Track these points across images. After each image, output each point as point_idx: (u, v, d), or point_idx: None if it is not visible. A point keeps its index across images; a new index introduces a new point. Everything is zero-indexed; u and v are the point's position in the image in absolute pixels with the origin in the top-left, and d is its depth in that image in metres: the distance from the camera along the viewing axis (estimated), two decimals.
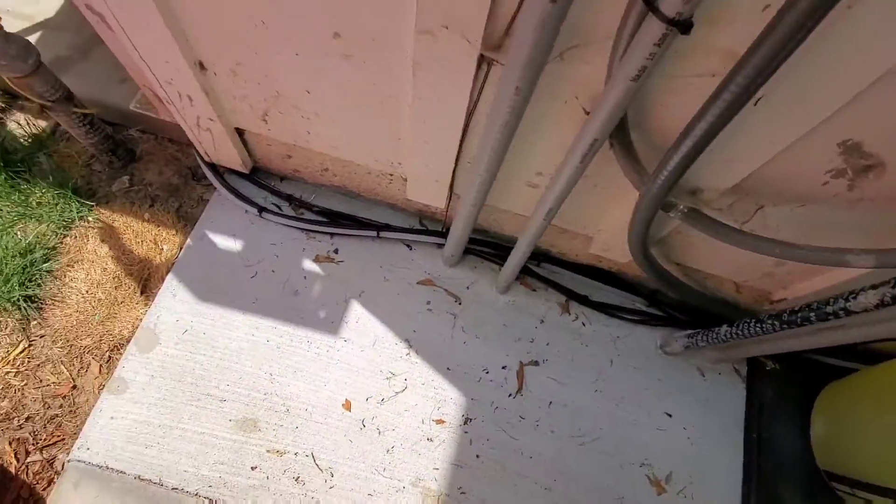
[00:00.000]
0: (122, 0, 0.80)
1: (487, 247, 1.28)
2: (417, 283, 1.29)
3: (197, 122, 1.11)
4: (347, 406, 1.16)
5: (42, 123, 1.47)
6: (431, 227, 1.34)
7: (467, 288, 1.30)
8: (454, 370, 1.22)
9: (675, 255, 1.09)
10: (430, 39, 0.66)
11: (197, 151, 1.29)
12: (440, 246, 1.31)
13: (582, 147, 0.70)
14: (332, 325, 1.22)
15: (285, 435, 1.12)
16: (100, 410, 1.11)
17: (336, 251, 1.30)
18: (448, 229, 1.29)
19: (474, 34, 0.63)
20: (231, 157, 1.23)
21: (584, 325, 1.31)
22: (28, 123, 1.44)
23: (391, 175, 1.17)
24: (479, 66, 0.70)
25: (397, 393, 1.18)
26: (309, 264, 1.27)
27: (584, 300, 1.30)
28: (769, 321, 0.96)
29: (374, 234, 1.27)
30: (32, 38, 1.46)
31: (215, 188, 1.33)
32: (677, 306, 1.31)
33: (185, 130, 1.16)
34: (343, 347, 1.20)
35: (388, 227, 1.29)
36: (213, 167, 1.31)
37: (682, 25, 0.46)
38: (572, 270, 1.30)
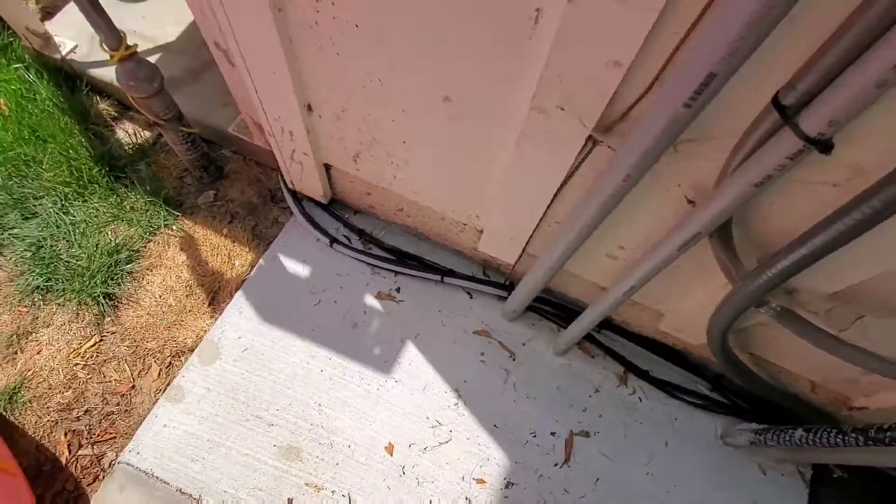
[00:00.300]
0: (253, 44, 0.88)
1: (549, 306, 1.27)
2: (474, 332, 1.29)
3: (291, 155, 1.18)
4: (390, 449, 1.15)
5: (146, 134, 1.60)
6: (494, 278, 1.35)
7: (523, 344, 1.28)
8: (501, 428, 1.19)
9: (753, 345, 1.04)
10: (543, 116, 0.69)
11: (282, 178, 1.36)
12: (501, 298, 1.31)
13: (682, 237, 0.69)
14: (385, 363, 1.23)
15: (325, 470, 1.12)
16: (155, 416, 1.14)
17: (398, 290, 1.32)
18: (511, 283, 1.29)
19: (590, 118, 0.65)
20: (313, 187, 1.28)
21: (640, 400, 1.26)
22: (135, 133, 1.57)
23: (465, 225, 1.19)
24: (585, 144, 0.71)
25: (441, 444, 1.16)
26: (371, 299, 1.30)
27: (643, 374, 1.26)
28: (853, 434, 0.89)
29: (438, 278, 1.29)
30: (153, 59, 1.60)
31: (292, 214, 1.39)
32: (742, 394, 1.25)
33: (278, 159, 1.23)
34: (393, 388, 1.20)
35: (452, 273, 1.30)
36: (293, 194, 1.37)
37: (822, 145, 0.46)
38: (634, 341, 1.26)
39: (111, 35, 1.05)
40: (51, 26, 1.64)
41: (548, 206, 0.90)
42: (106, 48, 1.08)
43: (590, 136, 0.69)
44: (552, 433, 1.20)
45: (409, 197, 1.16)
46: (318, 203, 1.40)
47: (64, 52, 1.59)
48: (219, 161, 1.55)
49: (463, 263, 1.36)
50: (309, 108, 1.01)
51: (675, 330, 1.13)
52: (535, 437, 1.19)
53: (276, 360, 1.21)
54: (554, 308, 1.27)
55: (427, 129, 0.90)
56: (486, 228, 1.08)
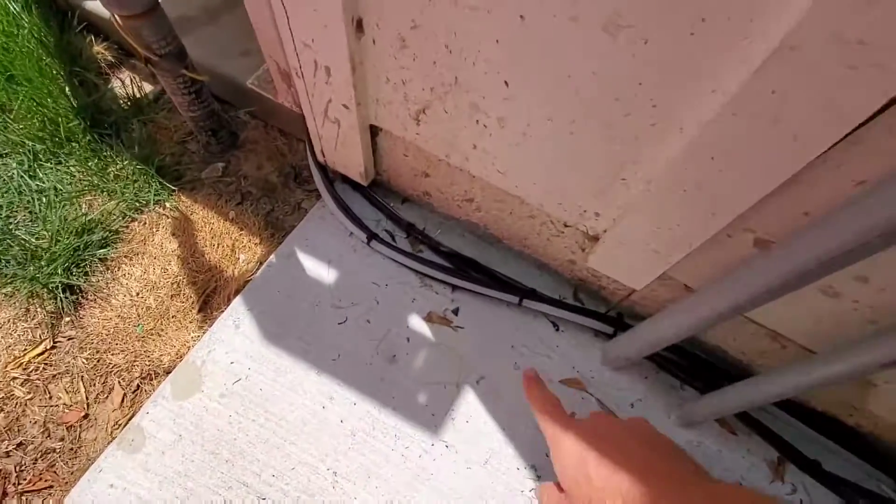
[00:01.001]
0: None
1: (679, 355, 0.87)
2: (561, 381, 0.90)
3: (325, 109, 0.82)
4: None
5: (148, 88, 1.28)
6: (589, 304, 0.96)
7: (631, 406, 0.89)
8: None
9: None
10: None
11: (310, 147, 1.01)
12: (601, 335, 0.92)
13: None
14: (432, 417, 0.85)
15: None
16: (99, 470, 0.79)
17: (456, 311, 0.94)
18: (621, 314, 0.90)
19: None
20: (352, 161, 0.93)
21: (802, 502, 0.85)
22: (132, 84, 1.24)
23: (565, 226, 0.81)
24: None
25: None
26: (417, 322, 0.93)
27: (809, 466, 0.85)
28: None
29: (515, 299, 0.91)
30: None
31: (319, 197, 1.04)
32: None
33: (306, 116, 0.88)
34: (442, 456, 0.82)
35: (534, 295, 0.92)
36: (323, 170, 1.02)
37: None
38: (798, 416, 0.86)
39: None
40: None
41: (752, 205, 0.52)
42: None
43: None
44: None
45: (490, 180, 0.79)
46: (354, 185, 1.04)
47: None
48: (233, 126, 1.22)
49: (546, 280, 0.98)
50: (359, 25, 0.65)
51: (890, 411, 0.73)
52: None
53: (279, 399, 0.84)
54: (684, 358, 0.87)
55: (552, 56, 0.53)
56: (611, 234, 0.71)
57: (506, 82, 0.60)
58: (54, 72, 1.21)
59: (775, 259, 0.54)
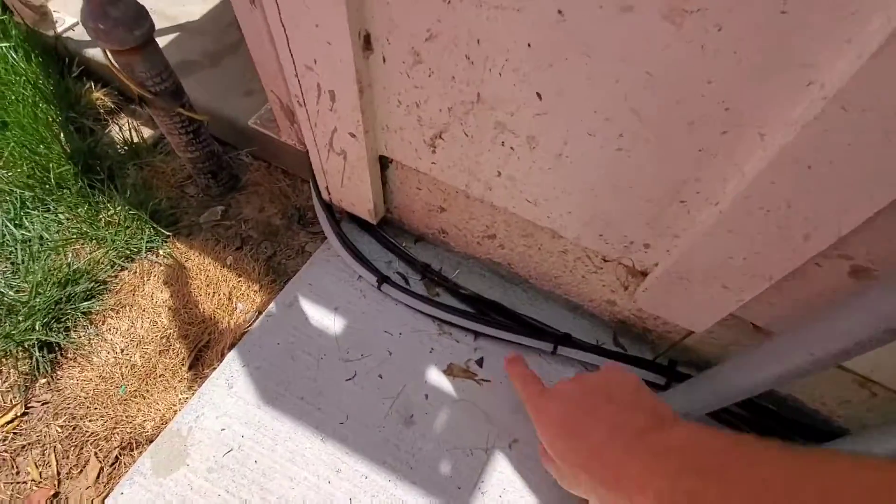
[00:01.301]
0: None
1: (745, 408, 0.74)
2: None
3: (330, 140, 0.75)
4: None
5: (147, 133, 1.22)
6: (632, 349, 0.84)
7: None
8: None
9: None
10: None
11: (314, 185, 0.93)
12: (651, 385, 0.79)
13: None
14: (458, 491, 0.72)
15: None
16: None
17: (481, 362, 0.83)
18: (672, 362, 0.78)
19: None
20: (360, 197, 0.84)
21: None
22: (130, 129, 1.19)
23: (605, 261, 0.71)
24: None
25: None
26: (436, 375, 0.81)
27: None
28: None
29: (548, 346, 0.80)
30: (168, 39, 1.26)
31: (325, 239, 0.95)
32: None
33: (310, 151, 0.81)
34: None
35: (569, 340, 0.80)
36: (328, 208, 0.94)
37: None
38: None
39: None
40: (54, 2, 1.34)
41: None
42: None
43: None
44: None
45: (516, 212, 0.70)
46: (362, 224, 0.96)
47: (60, 29, 1.27)
48: (234, 167, 1.15)
49: (583, 325, 0.87)
50: (367, 40, 0.58)
51: None
52: None
53: (278, 473, 0.72)
54: (751, 411, 0.74)
55: (603, 59, 0.44)
56: (665, 268, 0.60)
57: (538, 94, 0.52)
58: (49, 118, 1.16)
59: (881, 293, 0.43)
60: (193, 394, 0.80)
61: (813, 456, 0.31)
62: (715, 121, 0.44)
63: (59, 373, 0.91)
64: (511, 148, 0.60)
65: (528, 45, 0.48)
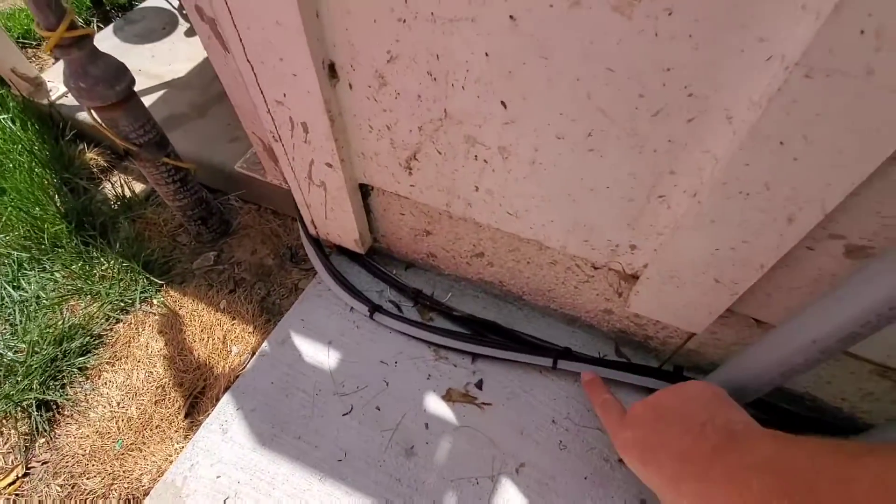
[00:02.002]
0: None
1: (760, 410, 0.70)
2: (620, 459, 0.73)
3: (309, 172, 0.75)
4: None
5: (139, 188, 1.25)
6: (636, 358, 0.81)
7: None
8: None
9: None
10: None
11: (301, 221, 0.93)
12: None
13: None
14: None
15: None
16: None
17: (480, 384, 0.80)
18: (678, 368, 0.75)
19: None
20: (345, 228, 0.84)
21: None
22: (123, 185, 1.21)
23: (595, 268, 0.69)
24: None
25: None
26: (435, 403, 0.78)
27: None
28: None
29: (548, 362, 0.77)
30: (156, 96, 1.30)
31: (315, 274, 0.94)
32: None
33: (291, 186, 0.81)
34: None
35: (569, 355, 0.77)
36: (316, 243, 0.93)
37: None
38: None
39: (45, 4, 0.70)
40: (49, 73, 1.39)
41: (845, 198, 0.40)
42: (40, 29, 0.73)
43: None
44: None
45: (500, 226, 0.69)
46: (352, 256, 0.95)
47: (54, 97, 1.31)
48: (224, 213, 1.16)
49: (582, 338, 0.84)
50: (331, 69, 0.59)
51: None
52: None
53: None
54: (768, 413, 0.70)
55: (561, 58, 0.44)
56: (654, 269, 0.58)
57: (503, 103, 0.51)
58: (45, 181, 1.18)
59: (878, 269, 0.41)
60: (187, 443, 0.78)
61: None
62: (680, 108, 0.43)
63: (56, 431, 0.89)
64: (484, 161, 0.60)
65: (486, 54, 0.48)
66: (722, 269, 0.52)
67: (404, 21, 0.49)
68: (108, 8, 1.72)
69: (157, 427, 0.87)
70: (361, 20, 0.51)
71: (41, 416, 0.89)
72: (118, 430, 0.88)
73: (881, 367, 0.60)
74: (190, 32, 1.50)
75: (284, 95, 0.63)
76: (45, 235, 1.08)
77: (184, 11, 1.55)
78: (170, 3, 1.58)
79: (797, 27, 0.34)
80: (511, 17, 0.43)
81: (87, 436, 0.88)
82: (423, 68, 0.53)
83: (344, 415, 0.77)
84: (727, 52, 0.37)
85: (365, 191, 0.80)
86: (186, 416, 0.88)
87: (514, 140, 0.55)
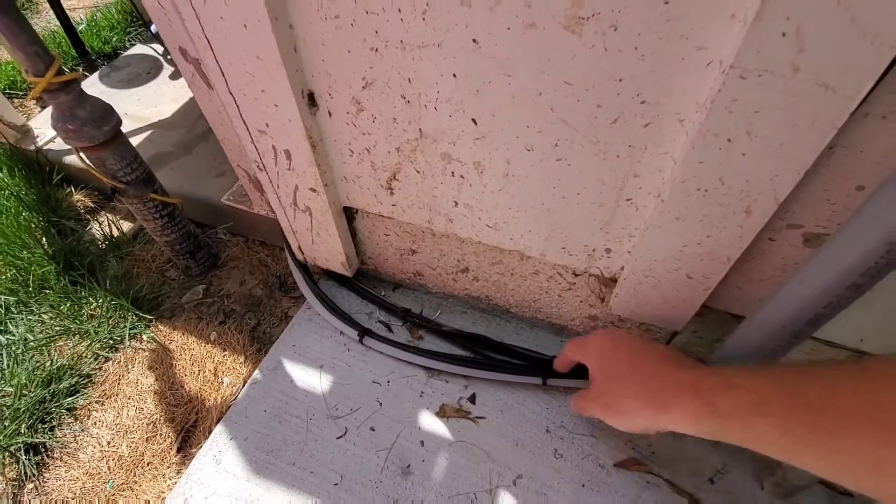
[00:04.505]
0: (225, 22, 0.52)
1: None
2: (616, 464, 0.73)
3: (293, 198, 0.77)
4: None
5: (126, 226, 1.26)
6: None
7: (711, 481, 0.71)
8: None
9: None
10: None
11: (288, 248, 0.95)
12: None
13: None
14: None
15: None
16: None
17: (473, 399, 0.80)
18: None
19: None
20: (332, 251, 0.86)
21: None
22: (111, 225, 1.22)
23: (575, 275, 0.71)
24: None
25: None
26: (429, 419, 0.78)
27: None
28: None
29: (538, 381, 0.78)
30: (143, 137, 1.33)
31: (305, 300, 0.95)
32: None
33: (277, 213, 0.83)
34: None
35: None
36: (305, 269, 0.95)
37: None
38: None
39: (34, 52, 0.73)
40: (35, 120, 1.42)
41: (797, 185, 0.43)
42: (29, 76, 0.75)
43: None
44: None
45: (481, 239, 0.71)
46: (340, 280, 0.96)
47: (40, 143, 1.34)
48: (212, 246, 1.17)
49: None
50: (311, 98, 0.62)
51: None
52: None
53: None
54: None
55: (523, 75, 0.47)
56: (630, 270, 0.60)
57: (473, 120, 0.55)
58: (32, 224, 1.19)
59: (832, 252, 0.43)
60: (180, 477, 0.77)
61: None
62: (635, 115, 0.46)
63: (45, 475, 0.87)
64: (461, 176, 0.62)
65: (454, 75, 0.51)
66: (692, 264, 0.54)
67: (376, 50, 0.52)
68: (93, 57, 1.77)
69: (148, 464, 0.86)
70: (336, 51, 0.54)
71: (29, 459, 0.88)
72: (109, 469, 0.86)
73: (856, 352, 0.62)
74: (175, 75, 1.54)
75: (267, 125, 0.65)
76: (32, 278, 1.08)
77: (168, 56, 1.60)
78: (154, 49, 1.63)
79: (729, 34, 0.37)
80: (474, 40, 0.47)
81: (77, 478, 0.86)
82: (397, 92, 0.56)
83: (338, 438, 0.77)
84: (670, 60, 0.41)
85: (350, 214, 0.82)
86: (179, 450, 0.87)
87: (487, 154, 0.58)
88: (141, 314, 1.05)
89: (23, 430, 0.90)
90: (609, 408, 0.56)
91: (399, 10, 0.47)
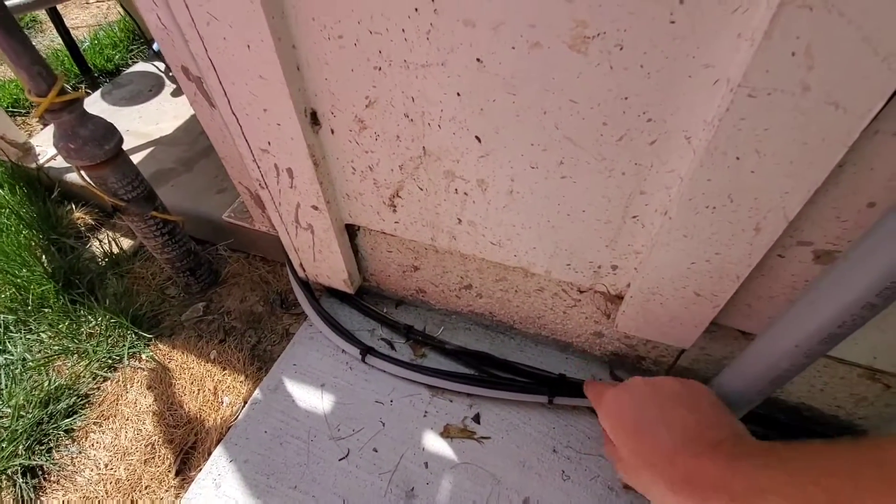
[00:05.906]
0: (227, 30, 0.52)
1: (756, 423, 0.70)
2: (625, 486, 0.71)
3: (295, 216, 0.76)
4: None
5: (126, 244, 1.25)
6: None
7: None
8: None
9: None
10: None
11: (290, 265, 0.94)
12: None
13: None
14: None
15: None
16: None
17: (477, 418, 0.79)
18: None
19: None
20: (334, 269, 0.85)
21: None
22: (111, 242, 1.22)
23: (580, 291, 0.70)
24: None
25: None
26: (434, 440, 0.77)
27: None
28: None
29: (544, 399, 0.76)
30: (144, 154, 1.33)
31: (306, 318, 0.94)
32: None
33: (279, 231, 0.82)
34: None
35: (564, 386, 0.77)
36: (306, 286, 0.94)
37: None
38: None
39: (37, 72, 0.73)
40: (37, 139, 1.43)
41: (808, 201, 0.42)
42: (31, 95, 0.75)
43: None
44: None
45: (485, 256, 0.70)
46: (342, 297, 0.95)
47: (42, 161, 1.34)
48: (213, 263, 1.17)
49: (577, 364, 0.84)
50: (314, 117, 0.62)
51: None
52: None
53: None
54: (766, 426, 0.70)
55: (528, 94, 0.47)
56: (637, 287, 0.59)
57: (477, 138, 0.54)
58: (32, 242, 1.19)
59: (847, 270, 0.43)
60: (178, 501, 0.75)
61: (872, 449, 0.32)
62: (641, 133, 0.46)
63: (42, 498, 0.85)
64: (465, 193, 0.62)
65: (458, 94, 0.51)
66: (700, 282, 0.54)
67: (380, 69, 0.52)
68: (95, 74, 1.78)
69: (146, 488, 0.84)
70: (340, 70, 0.54)
71: (27, 483, 0.86)
72: (106, 493, 0.84)
73: (869, 369, 0.61)
74: (176, 92, 1.55)
75: (269, 144, 0.65)
76: (31, 297, 1.07)
77: (170, 73, 1.62)
78: (156, 67, 1.65)
79: (737, 53, 0.37)
80: (478, 59, 0.47)
81: (74, 502, 0.84)
82: (400, 110, 0.56)
83: (341, 459, 0.75)
84: (677, 79, 0.41)
85: (352, 231, 0.81)
86: (177, 473, 0.85)
87: (491, 172, 0.57)
88: (140, 332, 1.04)
89: (20, 452, 0.88)
90: (625, 467, 0.51)
91: (403, 31, 0.47)
